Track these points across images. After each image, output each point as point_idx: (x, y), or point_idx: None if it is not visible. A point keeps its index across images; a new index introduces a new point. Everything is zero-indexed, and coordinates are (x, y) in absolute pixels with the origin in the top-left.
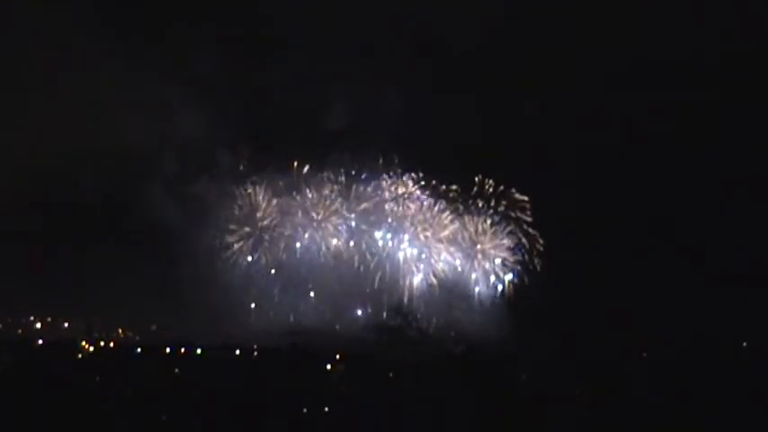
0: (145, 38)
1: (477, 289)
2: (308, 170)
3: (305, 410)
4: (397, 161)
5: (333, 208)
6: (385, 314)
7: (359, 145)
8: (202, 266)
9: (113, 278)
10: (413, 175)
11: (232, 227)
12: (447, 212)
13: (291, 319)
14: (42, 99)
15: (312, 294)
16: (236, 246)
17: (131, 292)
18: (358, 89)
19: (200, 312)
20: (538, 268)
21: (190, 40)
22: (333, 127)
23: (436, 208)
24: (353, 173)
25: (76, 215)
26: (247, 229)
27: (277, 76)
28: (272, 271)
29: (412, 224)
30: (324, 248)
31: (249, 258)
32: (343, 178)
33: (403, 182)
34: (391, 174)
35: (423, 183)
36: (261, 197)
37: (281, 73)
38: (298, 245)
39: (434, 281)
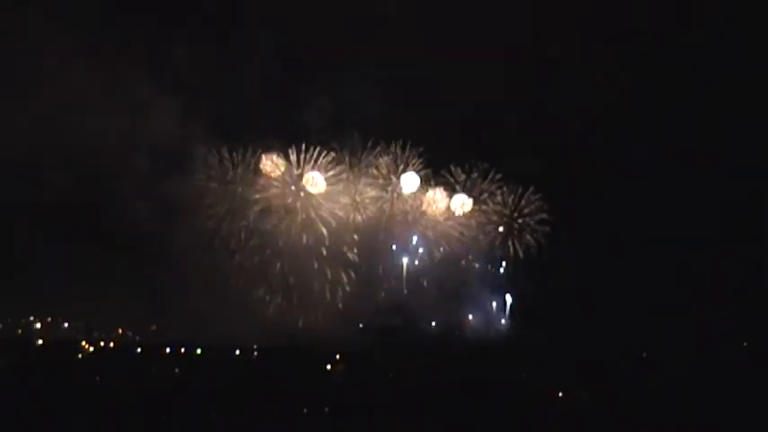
0: (116, 34)
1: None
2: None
3: (305, 410)
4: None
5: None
6: (384, 315)
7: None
8: (196, 266)
9: (112, 278)
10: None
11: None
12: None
13: (291, 320)
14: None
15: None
16: (223, 244)
17: (129, 292)
18: (346, 85)
19: (197, 313)
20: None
21: (163, 38)
22: (316, 120)
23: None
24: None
25: (74, 216)
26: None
27: (252, 71)
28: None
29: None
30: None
31: (238, 257)
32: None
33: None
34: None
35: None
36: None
37: (256, 68)
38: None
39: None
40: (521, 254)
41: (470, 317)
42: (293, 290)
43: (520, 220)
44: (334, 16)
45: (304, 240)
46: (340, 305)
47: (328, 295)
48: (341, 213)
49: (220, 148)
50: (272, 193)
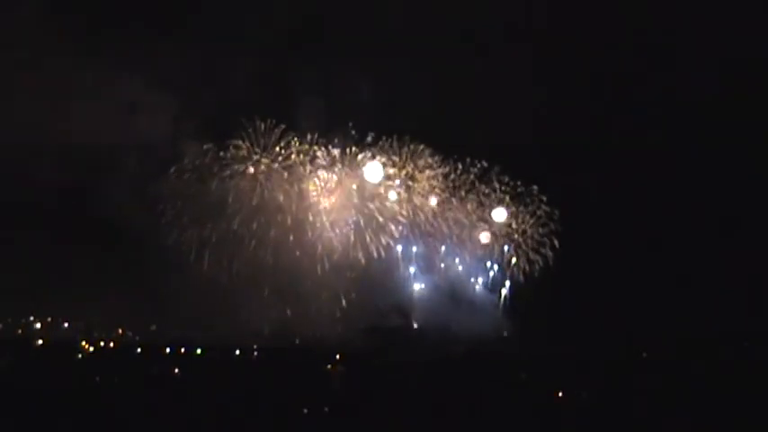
0: (106, 33)
1: (477, 288)
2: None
3: (305, 410)
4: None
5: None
6: (384, 315)
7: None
8: (194, 266)
9: (112, 278)
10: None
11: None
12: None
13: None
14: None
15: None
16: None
17: (129, 292)
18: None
19: (196, 313)
20: (537, 266)
21: (152, 35)
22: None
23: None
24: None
25: (73, 216)
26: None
27: (243, 69)
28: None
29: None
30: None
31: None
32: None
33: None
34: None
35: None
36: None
37: (246, 66)
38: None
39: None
40: (521, 254)
41: (470, 317)
42: (288, 302)
43: (522, 220)
44: (330, 11)
45: (297, 254)
46: (339, 327)
47: (326, 312)
48: (342, 227)
49: (214, 147)
50: (265, 196)
